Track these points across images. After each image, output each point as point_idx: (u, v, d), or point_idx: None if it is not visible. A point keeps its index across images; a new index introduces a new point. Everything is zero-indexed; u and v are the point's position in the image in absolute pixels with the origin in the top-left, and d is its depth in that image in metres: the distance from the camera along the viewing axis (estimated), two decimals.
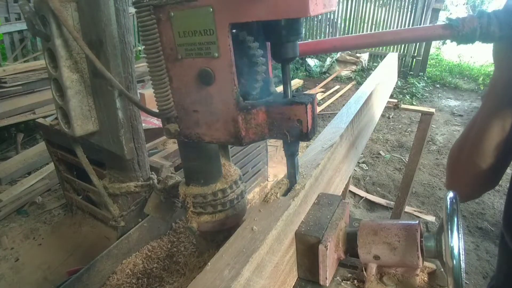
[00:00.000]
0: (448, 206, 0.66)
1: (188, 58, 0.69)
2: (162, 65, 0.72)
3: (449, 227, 0.64)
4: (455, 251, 0.62)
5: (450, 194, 0.69)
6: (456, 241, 0.62)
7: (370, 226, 0.76)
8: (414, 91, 6.74)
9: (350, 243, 0.79)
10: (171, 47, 0.70)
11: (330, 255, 0.72)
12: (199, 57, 0.68)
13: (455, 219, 0.64)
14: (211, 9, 0.63)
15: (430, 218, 3.40)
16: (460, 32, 0.69)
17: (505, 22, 0.66)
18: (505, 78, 0.77)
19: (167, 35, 0.69)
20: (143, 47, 0.72)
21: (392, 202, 3.40)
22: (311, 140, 0.78)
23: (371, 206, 3.61)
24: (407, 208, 3.34)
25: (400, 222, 0.75)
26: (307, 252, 0.74)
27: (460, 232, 0.63)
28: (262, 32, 0.69)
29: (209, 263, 0.60)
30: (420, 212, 3.47)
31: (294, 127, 0.69)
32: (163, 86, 0.74)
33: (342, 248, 0.79)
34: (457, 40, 0.71)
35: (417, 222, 0.73)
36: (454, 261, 0.62)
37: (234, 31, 0.66)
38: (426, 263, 0.83)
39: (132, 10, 0.90)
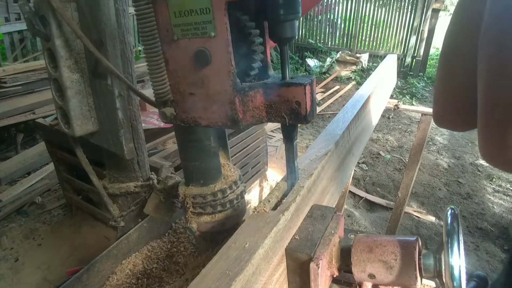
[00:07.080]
0: (449, 223, 0.62)
1: (184, 39, 0.68)
2: (158, 47, 0.71)
3: (449, 245, 0.59)
4: (456, 272, 0.58)
5: (451, 210, 0.65)
6: (457, 261, 0.58)
7: (365, 242, 0.72)
8: (414, 91, 6.74)
9: (344, 259, 0.74)
10: (167, 28, 0.68)
11: (322, 273, 0.68)
12: (196, 37, 0.66)
13: (456, 236, 0.60)
14: None
15: (430, 218, 3.40)
16: None
17: None
18: None
19: (163, 15, 0.68)
20: (139, 29, 0.70)
21: (392, 203, 3.40)
22: (308, 124, 0.76)
23: (371, 206, 3.61)
24: (407, 209, 3.34)
25: (397, 238, 0.71)
26: (298, 269, 0.70)
27: (461, 250, 0.59)
28: (259, 11, 0.68)
29: None
30: (420, 213, 3.47)
31: (292, 109, 0.67)
32: (159, 69, 0.72)
33: (335, 265, 0.75)
34: None
35: (415, 238, 0.68)
36: (455, 283, 0.58)
37: (230, 10, 0.64)
38: (425, 281, 0.80)
39: (132, 10, 0.90)
